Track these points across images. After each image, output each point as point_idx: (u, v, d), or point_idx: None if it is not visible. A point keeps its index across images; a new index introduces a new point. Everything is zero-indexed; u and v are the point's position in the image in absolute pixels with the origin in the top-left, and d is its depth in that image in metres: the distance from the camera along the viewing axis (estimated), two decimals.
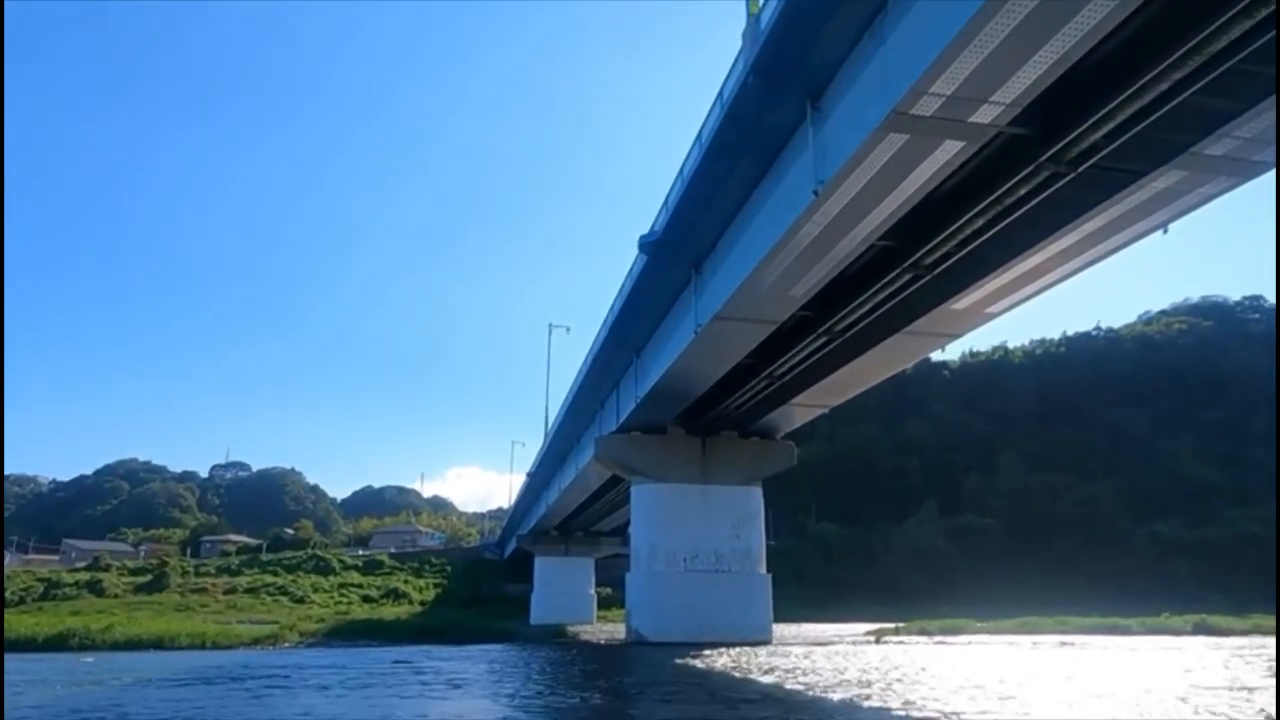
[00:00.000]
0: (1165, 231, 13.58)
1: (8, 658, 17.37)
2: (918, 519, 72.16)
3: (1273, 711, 8.05)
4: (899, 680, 12.82)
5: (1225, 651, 19.38)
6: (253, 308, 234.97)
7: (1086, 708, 8.93)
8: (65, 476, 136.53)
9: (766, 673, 14.35)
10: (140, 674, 14.99)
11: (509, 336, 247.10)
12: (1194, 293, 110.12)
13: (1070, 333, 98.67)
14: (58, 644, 22.99)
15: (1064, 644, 24.34)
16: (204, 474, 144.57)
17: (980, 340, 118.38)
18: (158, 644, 23.99)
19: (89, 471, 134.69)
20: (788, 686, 12.29)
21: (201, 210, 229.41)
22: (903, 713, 8.98)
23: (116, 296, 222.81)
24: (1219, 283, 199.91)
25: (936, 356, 29.13)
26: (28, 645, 22.65)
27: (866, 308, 17.07)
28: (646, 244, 18.79)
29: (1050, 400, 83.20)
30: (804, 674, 13.96)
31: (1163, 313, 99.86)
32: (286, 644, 25.95)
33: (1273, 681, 11.27)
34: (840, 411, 30.26)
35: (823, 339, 19.01)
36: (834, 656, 18.68)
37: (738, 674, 14.39)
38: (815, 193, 12.67)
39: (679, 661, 16.90)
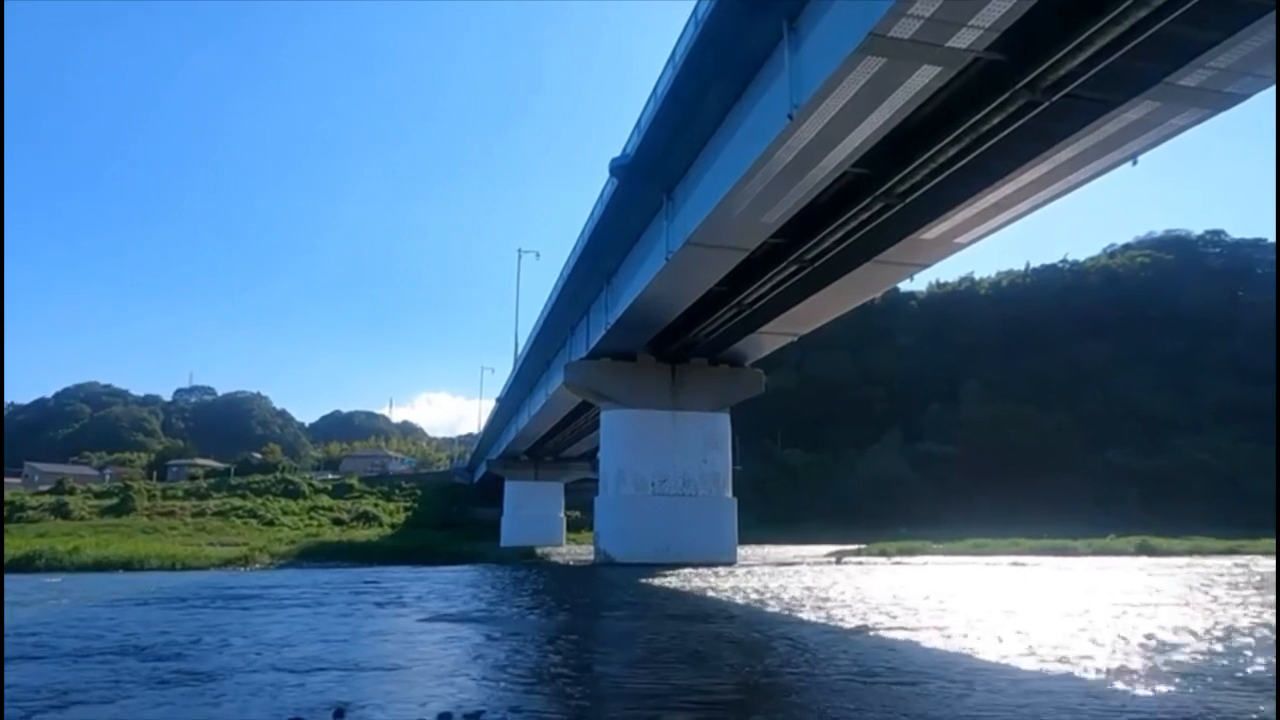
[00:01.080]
0: (1135, 163, 13.61)
1: None
2: (881, 446, 73.98)
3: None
4: (841, 596, 13.34)
5: (1156, 570, 20.31)
6: (212, 229, 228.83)
7: (982, 621, 9.37)
8: (24, 400, 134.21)
9: (722, 590, 14.82)
10: (111, 594, 15.06)
11: (478, 261, 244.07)
12: (1158, 226, 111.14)
13: (1037, 265, 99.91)
14: (23, 566, 22.93)
15: (1016, 564, 25.36)
16: (167, 398, 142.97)
17: (948, 271, 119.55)
18: (126, 565, 24.05)
19: (48, 395, 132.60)
20: (738, 600, 12.77)
21: (165, 128, 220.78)
22: (824, 620, 9.42)
23: (70, 219, 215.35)
24: (1183, 217, 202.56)
25: (905, 287, 29.39)
26: None
27: (837, 236, 17.05)
28: (618, 167, 18.43)
29: (1014, 332, 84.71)
30: (757, 591, 14.44)
31: (1127, 246, 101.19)
32: (257, 565, 26.17)
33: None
34: (809, 341, 30.57)
35: (793, 267, 19.01)
36: (790, 576, 19.31)
37: (694, 590, 14.84)
38: (790, 117, 12.44)
39: (642, 581, 17.36)
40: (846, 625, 9.52)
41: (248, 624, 10.06)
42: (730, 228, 16.90)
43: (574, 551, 38.99)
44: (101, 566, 23.77)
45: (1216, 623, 9.14)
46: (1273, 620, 9.35)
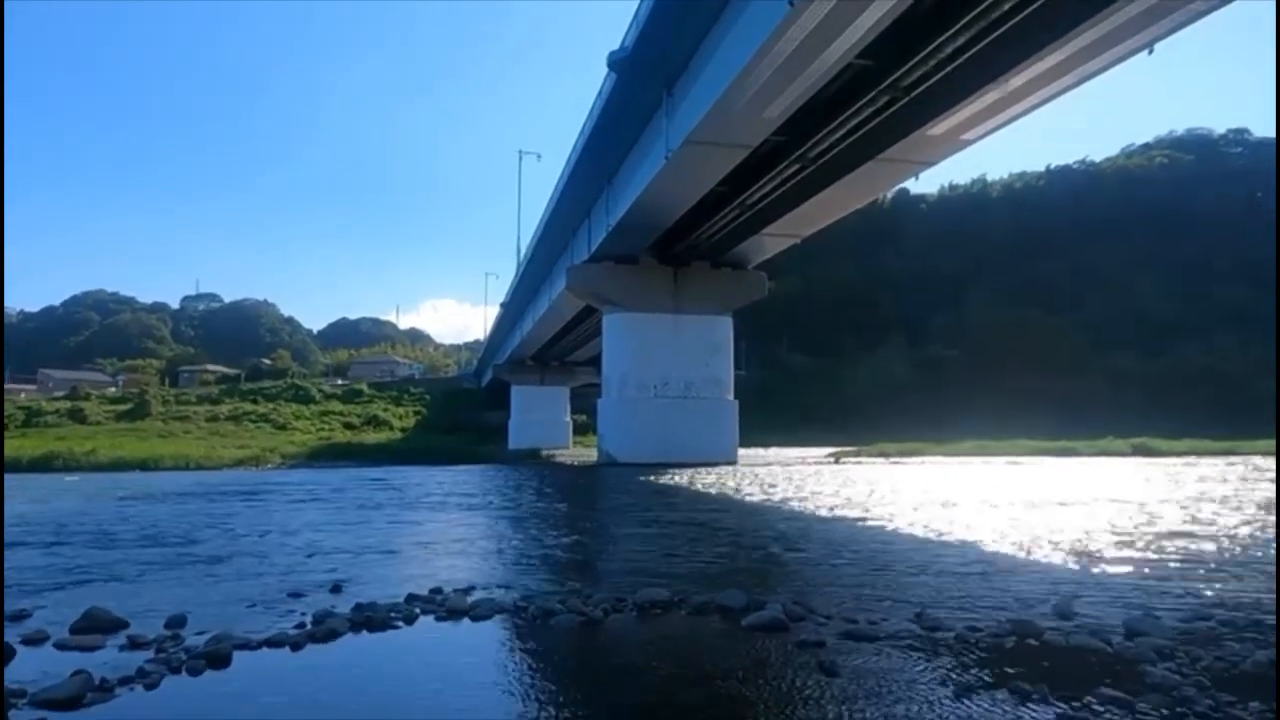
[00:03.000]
0: (1150, 52, 13.11)
1: None
2: (885, 350, 74.18)
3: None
4: (825, 490, 13.70)
5: (1149, 469, 20.66)
6: (209, 135, 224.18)
7: (956, 511, 9.62)
8: (32, 307, 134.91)
9: (717, 486, 15.21)
10: (126, 490, 15.54)
11: (479, 165, 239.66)
12: (1181, 125, 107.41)
13: (1053, 166, 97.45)
14: (43, 465, 23.62)
15: (1011, 463, 25.81)
16: (175, 305, 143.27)
17: (960, 173, 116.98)
18: (142, 465, 24.73)
19: (57, 303, 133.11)
20: (730, 495, 13.16)
21: (156, 40, 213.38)
22: (800, 507, 9.72)
23: (77, 126, 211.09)
24: (1206, 114, 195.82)
25: (915, 189, 28.98)
26: (13, 467, 23.26)
27: (841, 133, 16.63)
28: (616, 61, 17.88)
29: (1025, 236, 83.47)
30: (749, 487, 14.82)
31: (1146, 146, 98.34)
32: (269, 465, 26.87)
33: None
34: (816, 246, 30.27)
35: (796, 166, 18.64)
36: (785, 474, 19.74)
37: (690, 486, 15.23)
38: (791, 3, 11.97)
39: (642, 479, 17.79)
40: (821, 514, 9.82)
41: (256, 516, 10.42)
42: (731, 124, 16.50)
43: (579, 454, 39.79)
44: (117, 467, 24.46)
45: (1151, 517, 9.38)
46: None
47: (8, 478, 19.51)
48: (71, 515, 10.56)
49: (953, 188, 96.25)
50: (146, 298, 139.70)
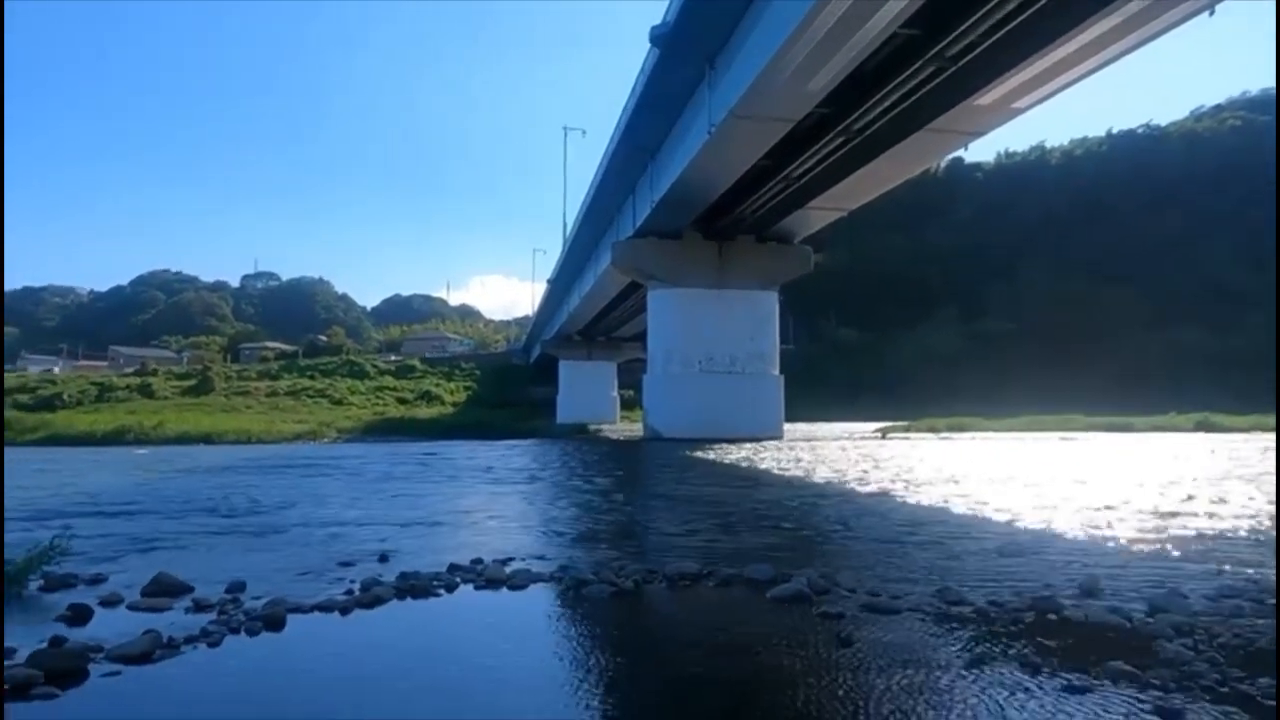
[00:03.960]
0: (1211, 13, 12.61)
1: (66, 451, 18.81)
2: (935, 323, 72.85)
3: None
4: (865, 466, 13.67)
5: (1212, 444, 20.08)
6: (270, 117, 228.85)
7: (993, 488, 9.53)
8: (101, 287, 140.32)
9: (761, 462, 15.30)
10: (192, 463, 16.27)
11: (527, 142, 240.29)
12: (1255, 85, 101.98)
13: (1115, 130, 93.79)
14: (114, 439, 24.77)
15: (1065, 439, 25.31)
16: (235, 284, 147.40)
17: (1017, 140, 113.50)
18: (206, 439, 25.76)
19: (124, 283, 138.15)
20: (774, 470, 13.22)
21: (215, 17, 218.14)
22: (838, 484, 9.73)
23: (134, 109, 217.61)
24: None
25: (970, 158, 28.20)
26: (87, 440, 24.48)
27: (886, 104, 16.37)
28: (658, 36, 17.80)
29: (1084, 204, 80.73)
30: (792, 462, 14.88)
31: (1218, 108, 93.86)
32: (325, 439, 27.74)
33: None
34: (865, 219, 29.84)
35: (840, 138, 18.40)
36: (829, 450, 19.71)
37: (733, 462, 15.36)
38: None
39: (686, 453, 17.96)
40: (863, 491, 9.85)
41: (312, 488, 10.87)
42: (774, 98, 16.36)
43: (626, 429, 40.15)
44: (183, 440, 25.54)
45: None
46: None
47: (84, 450, 20.57)
48: (142, 487, 11.15)
49: (1009, 155, 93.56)
50: (208, 277, 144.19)
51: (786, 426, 28.01)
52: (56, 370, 69.30)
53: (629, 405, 56.34)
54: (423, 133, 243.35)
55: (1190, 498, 8.41)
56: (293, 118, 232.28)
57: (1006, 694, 2.75)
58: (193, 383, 60.99)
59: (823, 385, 60.55)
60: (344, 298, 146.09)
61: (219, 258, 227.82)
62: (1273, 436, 26.05)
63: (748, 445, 21.61)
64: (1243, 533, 6.33)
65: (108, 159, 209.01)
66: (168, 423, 28.80)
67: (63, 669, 2.84)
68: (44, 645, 3.05)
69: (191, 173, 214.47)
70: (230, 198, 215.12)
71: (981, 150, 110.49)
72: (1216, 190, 77.83)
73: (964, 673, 2.97)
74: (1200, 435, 27.93)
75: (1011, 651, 3.16)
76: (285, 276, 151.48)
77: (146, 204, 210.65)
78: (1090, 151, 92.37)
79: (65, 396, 51.18)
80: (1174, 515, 7.13)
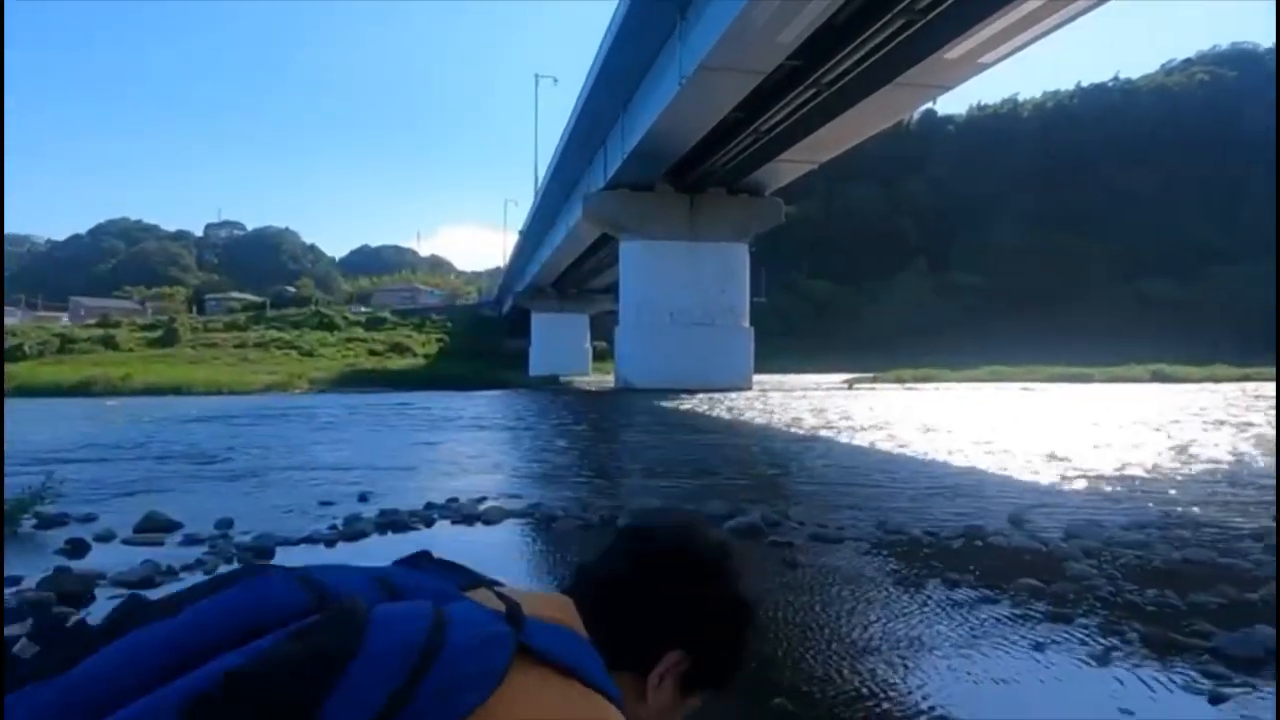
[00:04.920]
0: None
1: (37, 402, 18.72)
2: (906, 276, 73.63)
3: None
4: (828, 414, 14.18)
5: (1156, 395, 20.86)
6: (233, 63, 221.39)
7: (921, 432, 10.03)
8: (60, 236, 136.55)
9: (729, 410, 15.73)
10: (164, 413, 16.32)
11: (498, 91, 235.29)
12: (1225, 40, 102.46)
13: (1085, 84, 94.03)
14: (81, 390, 24.57)
15: (1025, 389, 26.10)
16: (198, 233, 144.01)
17: (989, 93, 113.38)
18: (176, 390, 25.65)
19: (83, 231, 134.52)
20: (741, 418, 13.66)
21: None
22: (800, 430, 10.19)
23: (90, 50, 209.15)
24: (1255, 29, 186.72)
25: (942, 110, 28.34)
26: (54, 392, 24.26)
27: (857, 57, 16.45)
28: None
29: (1054, 158, 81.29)
30: (759, 411, 15.33)
31: (1188, 62, 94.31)
32: (297, 390, 27.75)
33: None
34: (838, 171, 29.99)
35: (811, 91, 18.47)
36: (797, 399, 20.21)
37: (702, 411, 15.75)
38: None
39: (657, 403, 18.34)
40: (818, 436, 10.28)
41: (288, 435, 11.07)
42: (745, 49, 16.34)
43: (598, 380, 40.50)
44: (152, 391, 25.40)
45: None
46: None
47: (52, 400, 20.45)
48: (117, 435, 11.26)
49: (981, 108, 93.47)
50: (171, 225, 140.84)
51: (757, 378, 28.48)
52: (16, 321, 67.80)
53: (601, 357, 56.55)
54: (392, 80, 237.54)
55: (1135, 446, 8.90)
56: (258, 63, 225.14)
57: (929, 604, 3.11)
58: (158, 334, 60.05)
59: (795, 336, 61.25)
60: (312, 248, 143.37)
61: (182, 206, 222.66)
62: (1218, 386, 27.07)
63: (718, 395, 22.02)
64: (1162, 469, 6.81)
65: (62, 102, 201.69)
66: (135, 374, 28.53)
67: (72, 592, 3.09)
68: (50, 573, 3.29)
69: (152, 118, 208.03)
70: (193, 144, 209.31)
71: (955, 102, 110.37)
72: (1183, 147, 78.68)
73: (893, 589, 3.33)
74: (1155, 385, 28.89)
75: (936, 572, 3.52)
76: (250, 226, 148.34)
77: (105, 149, 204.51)
78: (1061, 105, 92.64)
79: (26, 348, 50.11)
80: (1103, 457, 7.61)
